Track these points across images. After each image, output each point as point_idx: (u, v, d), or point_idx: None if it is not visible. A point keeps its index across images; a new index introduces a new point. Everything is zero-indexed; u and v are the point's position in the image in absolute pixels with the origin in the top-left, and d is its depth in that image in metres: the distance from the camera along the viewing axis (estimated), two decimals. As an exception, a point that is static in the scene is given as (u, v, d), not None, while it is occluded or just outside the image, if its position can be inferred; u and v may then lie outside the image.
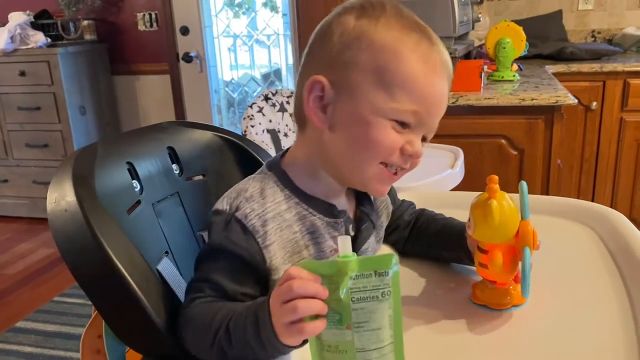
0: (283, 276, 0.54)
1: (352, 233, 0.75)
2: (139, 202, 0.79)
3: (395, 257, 0.53)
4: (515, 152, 1.93)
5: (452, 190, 1.43)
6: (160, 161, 0.87)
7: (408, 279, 0.81)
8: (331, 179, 0.73)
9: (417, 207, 0.92)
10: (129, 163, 0.80)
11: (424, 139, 0.71)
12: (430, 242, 0.85)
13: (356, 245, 0.75)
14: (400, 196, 0.96)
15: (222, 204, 0.69)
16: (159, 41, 3.53)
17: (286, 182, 0.72)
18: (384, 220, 0.84)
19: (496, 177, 0.68)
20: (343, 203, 0.76)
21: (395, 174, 0.70)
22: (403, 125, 0.67)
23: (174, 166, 0.89)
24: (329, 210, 0.72)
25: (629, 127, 2.60)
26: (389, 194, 0.84)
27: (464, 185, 1.46)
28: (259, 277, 0.67)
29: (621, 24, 3.14)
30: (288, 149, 0.77)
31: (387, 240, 0.87)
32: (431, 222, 0.87)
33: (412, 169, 0.71)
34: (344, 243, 0.53)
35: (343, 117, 0.68)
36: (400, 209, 0.89)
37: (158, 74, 3.61)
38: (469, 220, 0.71)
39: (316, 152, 0.72)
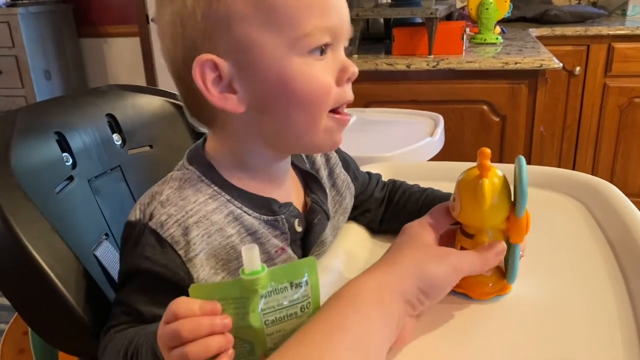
0: (165, 313, 0.44)
1: (300, 229, 0.63)
2: (71, 178, 0.69)
3: (313, 260, 0.44)
4: (497, 119, 1.85)
5: (430, 160, 1.34)
6: (98, 131, 0.76)
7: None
8: (265, 168, 0.62)
9: (389, 179, 0.81)
10: (58, 133, 0.69)
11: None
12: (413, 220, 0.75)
13: (308, 243, 0.65)
14: (375, 168, 0.86)
15: (135, 213, 0.57)
16: (128, 1, 3.36)
17: (213, 176, 0.59)
18: (348, 202, 0.73)
19: (488, 151, 0.57)
20: (287, 193, 0.64)
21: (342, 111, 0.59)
22: (322, 51, 0.55)
23: (115, 136, 0.79)
24: (266, 206, 0.61)
25: (612, 92, 2.54)
26: (346, 170, 0.74)
27: (442, 155, 1.37)
28: (185, 294, 0.55)
29: (607, -15, 3.05)
30: (207, 135, 0.64)
31: (358, 222, 0.78)
32: (409, 197, 0.76)
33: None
34: (250, 255, 0.42)
35: (257, 86, 0.55)
36: (369, 187, 0.77)
37: (127, 37, 3.45)
38: (454, 199, 0.60)
39: (243, 142, 0.60)
